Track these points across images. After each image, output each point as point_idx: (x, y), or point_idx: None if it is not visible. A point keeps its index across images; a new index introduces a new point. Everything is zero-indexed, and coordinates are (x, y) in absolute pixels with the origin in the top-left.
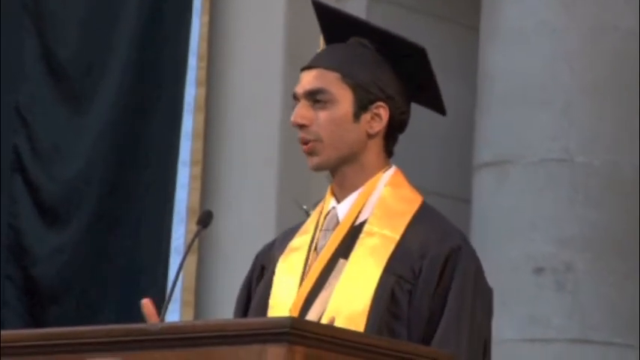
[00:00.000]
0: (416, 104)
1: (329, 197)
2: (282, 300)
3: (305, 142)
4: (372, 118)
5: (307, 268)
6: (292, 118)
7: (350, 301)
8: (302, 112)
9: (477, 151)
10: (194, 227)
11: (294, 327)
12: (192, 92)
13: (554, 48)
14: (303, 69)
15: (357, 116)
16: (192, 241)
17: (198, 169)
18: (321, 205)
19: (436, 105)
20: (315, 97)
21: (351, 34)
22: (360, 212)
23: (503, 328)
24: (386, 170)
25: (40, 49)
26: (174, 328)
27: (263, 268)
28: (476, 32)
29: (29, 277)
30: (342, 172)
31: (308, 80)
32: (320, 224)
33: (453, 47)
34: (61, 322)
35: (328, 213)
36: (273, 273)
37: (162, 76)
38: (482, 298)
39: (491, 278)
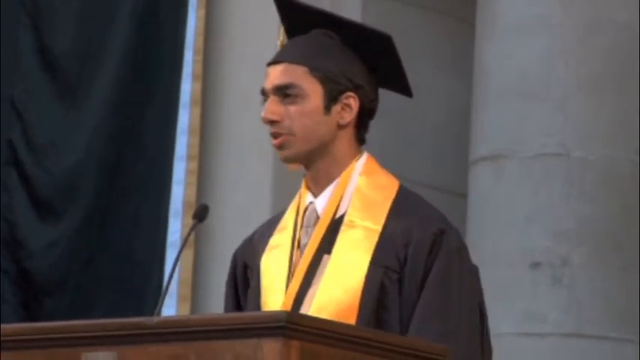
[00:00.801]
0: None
1: (304, 192)
2: (272, 300)
3: (276, 137)
4: (343, 108)
5: (292, 266)
6: (262, 114)
7: (338, 296)
8: (272, 107)
9: (473, 146)
10: (190, 221)
11: (289, 321)
12: (188, 87)
13: (550, 43)
14: (270, 64)
15: (327, 108)
16: (189, 235)
17: (194, 164)
18: (296, 200)
19: (403, 88)
20: (284, 92)
21: (314, 25)
22: (338, 205)
23: (499, 322)
24: (358, 159)
25: (35, 44)
26: (170, 322)
27: (246, 266)
28: (472, 26)
29: (24, 271)
30: (315, 165)
31: (276, 75)
32: (300, 221)
33: (449, 41)
34: (55, 315)
35: (306, 209)
36: (258, 274)
37: (158, 70)
38: (468, 275)
39: (488, 273)
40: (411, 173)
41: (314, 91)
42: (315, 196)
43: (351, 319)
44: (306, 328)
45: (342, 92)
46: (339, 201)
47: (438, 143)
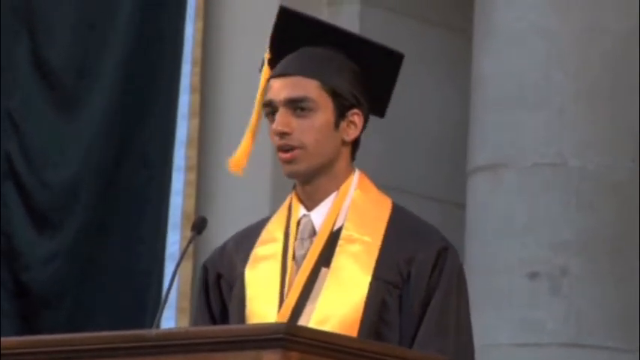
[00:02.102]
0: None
1: (296, 205)
2: (261, 311)
3: (286, 150)
4: (348, 125)
5: (286, 278)
6: (274, 126)
7: (340, 310)
8: (284, 120)
9: (471, 156)
10: (189, 233)
11: (288, 333)
12: (186, 98)
13: (548, 51)
14: (277, 76)
15: (336, 124)
16: (187, 247)
17: (192, 175)
18: (283, 212)
19: (381, 109)
20: (297, 105)
21: (317, 38)
22: (336, 219)
23: (497, 332)
24: (353, 174)
25: (32, 55)
26: (169, 335)
27: (219, 276)
28: (468, 36)
29: (22, 283)
30: (316, 180)
31: (287, 88)
32: (292, 233)
33: (446, 51)
34: (53, 328)
35: (299, 221)
36: (242, 283)
37: (157, 82)
38: (465, 295)
39: (486, 282)
40: (409, 184)
41: (325, 106)
42: (309, 209)
43: (353, 334)
44: (305, 340)
45: (348, 108)
46: (338, 214)
47: (436, 153)
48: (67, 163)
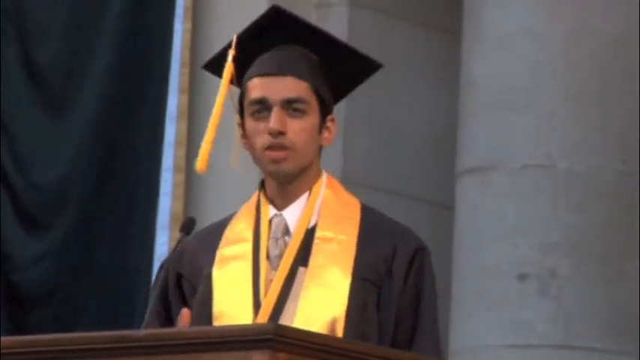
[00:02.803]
0: None
1: (265, 204)
2: (232, 310)
3: (279, 149)
4: (326, 129)
5: (260, 278)
6: (272, 124)
7: (324, 311)
8: (281, 119)
9: (460, 158)
10: (177, 234)
11: (277, 333)
12: (175, 99)
13: (537, 53)
14: (268, 74)
15: (320, 128)
16: (175, 247)
17: (181, 177)
18: (250, 212)
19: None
20: (292, 106)
21: (304, 41)
22: (310, 217)
23: (487, 333)
24: (322, 176)
25: (20, 56)
26: (157, 335)
27: (180, 276)
28: (458, 38)
29: (10, 284)
30: (296, 180)
31: (285, 87)
32: (264, 232)
33: (435, 53)
34: (41, 328)
35: (270, 220)
36: (209, 284)
37: (145, 82)
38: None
39: (475, 284)
40: (398, 185)
41: (314, 110)
42: (279, 208)
43: (339, 333)
44: (293, 341)
45: (328, 113)
46: (311, 214)
47: (425, 155)
48: (56, 164)
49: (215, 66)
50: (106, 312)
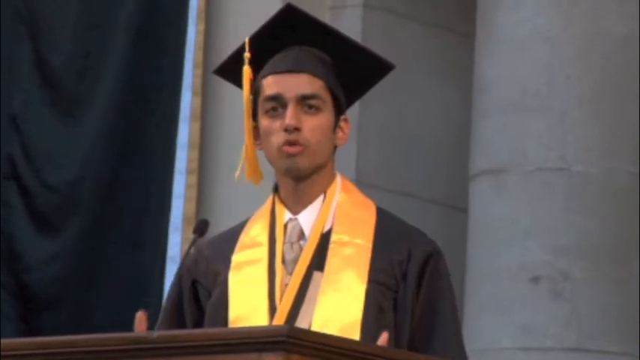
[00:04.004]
0: None
1: (280, 208)
2: (248, 314)
3: (294, 144)
4: (340, 129)
5: (276, 282)
6: (288, 120)
7: (340, 315)
8: (296, 115)
9: (473, 160)
10: (190, 236)
11: (290, 335)
12: (188, 101)
13: (550, 55)
14: (283, 71)
15: (334, 127)
16: (188, 249)
17: (193, 178)
18: (266, 216)
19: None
20: (308, 102)
21: (318, 42)
22: (325, 221)
23: (500, 336)
24: (336, 178)
25: (33, 56)
26: (170, 337)
27: (195, 282)
28: (471, 40)
29: (23, 285)
30: (310, 179)
31: (301, 84)
32: (279, 237)
33: (448, 55)
34: (54, 330)
35: (285, 225)
36: (225, 289)
37: (158, 84)
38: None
39: (488, 287)
40: (410, 187)
41: (329, 108)
42: (294, 213)
43: (356, 338)
44: (306, 343)
45: (341, 114)
46: (326, 218)
47: (437, 157)
48: (69, 165)
49: (226, 71)
50: (118, 313)
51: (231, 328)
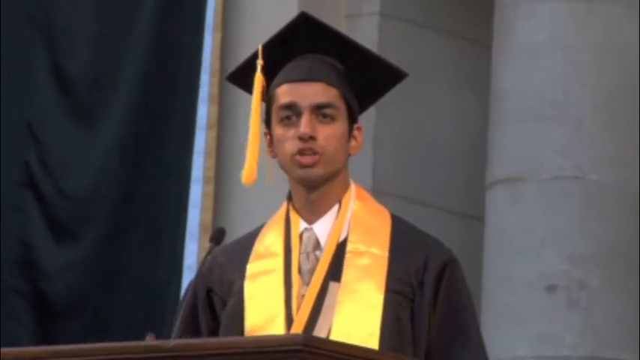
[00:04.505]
0: None
1: (295, 218)
2: (264, 324)
3: (311, 153)
4: (353, 138)
5: (292, 292)
6: (302, 129)
7: (357, 325)
8: (311, 124)
9: (490, 169)
10: (206, 244)
11: (306, 344)
12: (204, 109)
13: (566, 64)
14: (298, 80)
15: (349, 136)
16: (205, 258)
17: (210, 187)
18: (280, 226)
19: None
20: (322, 112)
21: (331, 50)
22: (340, 231)
23: (516, 345)
24: (350, 187)
25: (50, 64)
26: (187, 346)
27: (209, 291)
28: (487, 48)
29: (40, 293)
30: (324, 188)
31: (316, 93)
32: (295, 247)
33: (465, 64)
34: (71, 338)
35: (301, 235)
36: (240, 298)
37: (175, 92)
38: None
39: (504, 296)
40: (427, 196)
41: (343, 116)
42: (310, 222)
43: (374, 348)
44: (322, 351)
45: (354, 122)
46: (342, 227)
47: (454, 166)
48: (86, 173)
49: (239, 77)
50: (135, 322)
51: (248, 337)
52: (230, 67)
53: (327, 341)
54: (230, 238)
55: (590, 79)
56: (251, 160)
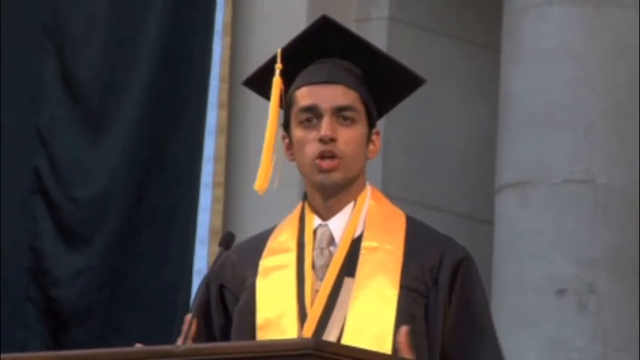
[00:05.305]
0: None
1: (309, 215)
2: (276, 320)
3: (331, 156)
4: (371, 142)
5: (305, 287)
6: (324, 131)
7: (371, 321)
8: (332, 126)
9: (499, 173)
10: (216, 249)
11: (317, 348)
12: (214, 115)
13: (575, 69)
14: (318, 82)
15: (367, 140)
16: (215, 262)
17: (220, 192)
18: (294, 222)
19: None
20: (343, 114)
21: (347, 52)
22: (355, 228)
23: (526, 349)
24: (366, 188)
25: (60, 71)
26: (197, 350)
27: (222, 287)
28: (496, 53)
29: (51, 299)
30: (343, 191)
31: (337, 95)
32: (309, 242)
33: (474, 68)
34: (82, 343)
35: (315, 231)
36: (252, 294)
37: (184, 98)
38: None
39: (514, 299)
40: (436, 200)
41: (362, 120)
42: (324, 219)
43: (388, 344)
44: (333, 356)
45: (373, 127)
46: (357, 224)
47: (464, 170)
48: (96, 179)
49: (256, 82)
50: (145, 327)
51: (258, 341)
52: (239, 73)
53: (337, 345)
54: (239, 242)
55: (599, 83)
56: (265, 166)
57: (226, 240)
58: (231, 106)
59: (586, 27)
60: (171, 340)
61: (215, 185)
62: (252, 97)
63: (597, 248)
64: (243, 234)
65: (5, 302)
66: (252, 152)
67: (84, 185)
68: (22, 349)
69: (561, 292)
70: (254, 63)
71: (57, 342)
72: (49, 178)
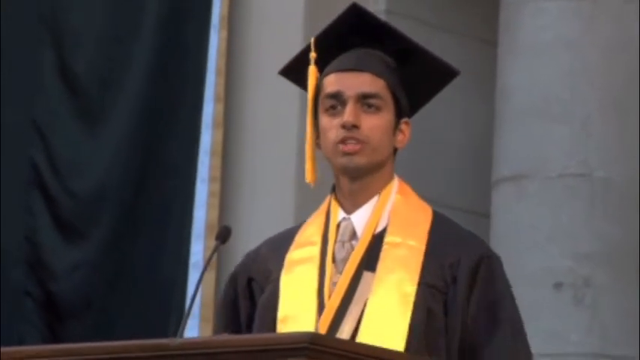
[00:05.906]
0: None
1: (335, 208)
2: (296, 313)
3: (354, 142)
4: (399, 132)
5: (325, 280)
6: (346, 118)
7: (389, 316)
8: (355, 113)
9: (496, 166)
10: (212, 243)
11: (313, 342)
12: (210, 108)
13: (573, 62)
14: (344, 70)
15: (394, 128)
16: (211, 256)
17: (216, 186)
18: (321, 216)
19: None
20: (368, 101)
21: (379, 42)
22: (377, 222)
23: None
24: (393, 181)
25: (57, 63)
26: (193, 344)
27: (251, 280)
28: (494, 46)
29: (48, 293)
30: (367, 178)
31: (362, 83)
32: (332, 235)
33: (471, 62)
34: (80, 337)
35: (339, 224)
36: (276, 288)
37: (181, 91)
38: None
39: None
40: (433, 194)
41: (389, 108)
42: (349, 212)
43: (403, 339)
44: (329, 349)
45: (402, 116)
46: (380, 217)
47: (461, 163)
48: (93, 173)
49: (291, 71)
50: (142, 320)
51: (254, 335)
52: (236, 66)
53: (333, 339)
54: (236, 236)
55: (596, 76)
56: (310, 157)
57: (222, 234)
58: (228, 100)
59: (583, 20)
60: (167, 332)
61: (211, 179)
62: (249, 90)
63: (594, 242)
64: (240, 228)
65: (3, 295)
66: (248, 146)
67: (81, 179)
68: (20, 343)
69: (557, 285)
70: (251, 56)
71: (54, 335)
72: (47, 172)
